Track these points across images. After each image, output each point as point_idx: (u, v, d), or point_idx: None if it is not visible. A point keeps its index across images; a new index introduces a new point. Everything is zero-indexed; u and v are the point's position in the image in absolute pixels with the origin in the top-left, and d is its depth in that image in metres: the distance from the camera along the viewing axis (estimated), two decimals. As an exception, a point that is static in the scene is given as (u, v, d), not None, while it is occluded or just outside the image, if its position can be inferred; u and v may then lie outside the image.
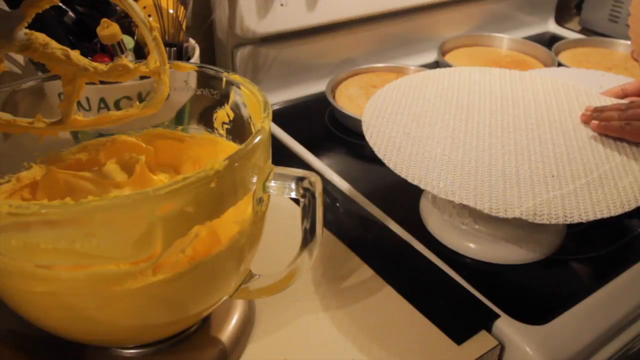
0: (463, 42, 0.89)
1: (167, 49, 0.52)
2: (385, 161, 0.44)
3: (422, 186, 0.41)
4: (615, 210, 0.40)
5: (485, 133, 0.48)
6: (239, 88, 0.37)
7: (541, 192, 0.41)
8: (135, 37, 0.52)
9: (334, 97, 0.71)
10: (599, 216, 0.40)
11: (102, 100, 0.44)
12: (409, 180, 0.42)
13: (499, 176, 0.42)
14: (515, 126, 0.49)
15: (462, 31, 0.92)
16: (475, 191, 0.41)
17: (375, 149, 0.46)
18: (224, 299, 0.35)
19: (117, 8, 0.51)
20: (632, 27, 0.59)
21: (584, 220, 0.39)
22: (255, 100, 0.35)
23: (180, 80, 0.40)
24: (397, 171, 0.43)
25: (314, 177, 0.32)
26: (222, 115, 0.39)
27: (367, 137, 0.47)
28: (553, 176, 0.42)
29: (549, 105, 0.54)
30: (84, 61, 0.34)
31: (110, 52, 0.47)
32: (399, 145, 0.46)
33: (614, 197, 0.41)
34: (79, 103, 0.38)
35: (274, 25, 0.70)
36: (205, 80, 0.39)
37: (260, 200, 0.33)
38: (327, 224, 0.51)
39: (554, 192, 0.41)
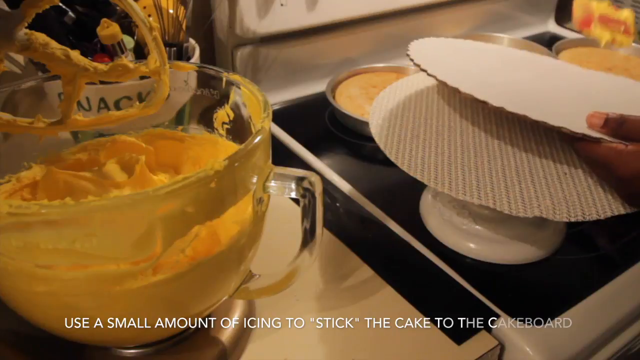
0: (463, 42, 0.89)
1: (167, 49, 0.52)
2: (399, 164, 0.44)
3: (439, 189, 0.41)
4: (630, 207, 0.40)
5: (493, 133, 0.48)
6: (239, 88, 0.37)
7: (557, 190, 0.41)
8: (135, 37, 0.52)
9: (334, 97, 0.71)
10: (615, 213, 0.40)
11: (102, 100, 0.44)
12: (425, 182, 0.42)
13: (514, 176, 0.42)
14: (521, 124, 0.49)
15: (462, 31, 0.92)
16: (493, 192, 0.41)
17: (387, 152, 0.45)
18: (224, 299, 0.35)
19: (117, 8, 0.51)
20: None
21: (602, 217, 0.39)
22: (255, 100, 0.35)
23: (180, 80, 0.40)
24: (413, 174, 0.43)
25: (314, 177, 0.32)
26: (222, 115, 0.39)
27: (377, 140, 0.47)
28: (565, 174, 0.42)
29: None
30: (84, 61, 0.34)
31: (110, 52, 0.47)
32: (410, 148, 0.45)
33: None
34: (79, 103, 0.38)
35: (274, 25, 0.70)
36: (205, 80, 0.39)
37: (260, 200, 0.33)
38: (327, 224, 0.51)
39: (569, 190, 0.41)
